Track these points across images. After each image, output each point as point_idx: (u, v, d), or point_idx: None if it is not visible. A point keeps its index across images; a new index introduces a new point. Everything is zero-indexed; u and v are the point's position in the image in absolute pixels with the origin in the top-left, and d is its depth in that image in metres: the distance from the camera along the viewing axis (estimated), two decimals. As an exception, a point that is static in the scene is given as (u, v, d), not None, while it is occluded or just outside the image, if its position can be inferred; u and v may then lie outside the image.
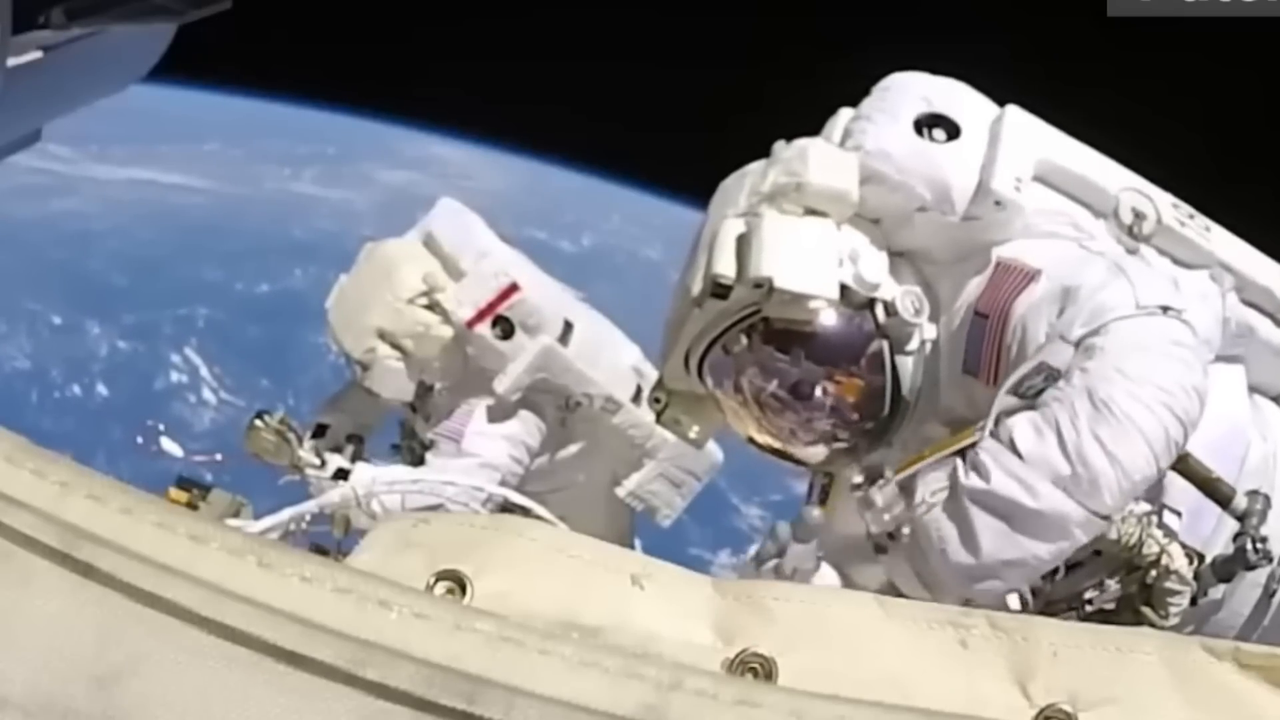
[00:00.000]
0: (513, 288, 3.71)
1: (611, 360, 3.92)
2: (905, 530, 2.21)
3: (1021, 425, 2.09)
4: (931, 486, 2.15)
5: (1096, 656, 0.91)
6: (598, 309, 4.09)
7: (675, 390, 2.71)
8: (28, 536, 0.84)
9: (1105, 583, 2.19)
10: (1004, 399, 2.16)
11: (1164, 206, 2.50)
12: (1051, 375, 2.14)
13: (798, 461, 2.60)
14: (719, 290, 2.40)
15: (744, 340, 2.46)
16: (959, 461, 2.15)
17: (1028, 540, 2.05)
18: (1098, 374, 2.07)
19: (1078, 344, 2.14)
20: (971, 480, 2.09)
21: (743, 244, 2.41)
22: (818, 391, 2.46)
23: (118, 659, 0.80)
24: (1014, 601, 2.11)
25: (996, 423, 2.13)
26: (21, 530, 0.84)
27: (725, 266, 2.40)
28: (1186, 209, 2.54)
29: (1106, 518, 2.08)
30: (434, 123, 19.72)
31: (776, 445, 2.56)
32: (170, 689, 0.79)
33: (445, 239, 3.82)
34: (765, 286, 2.36)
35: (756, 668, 0.89)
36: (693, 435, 2.78)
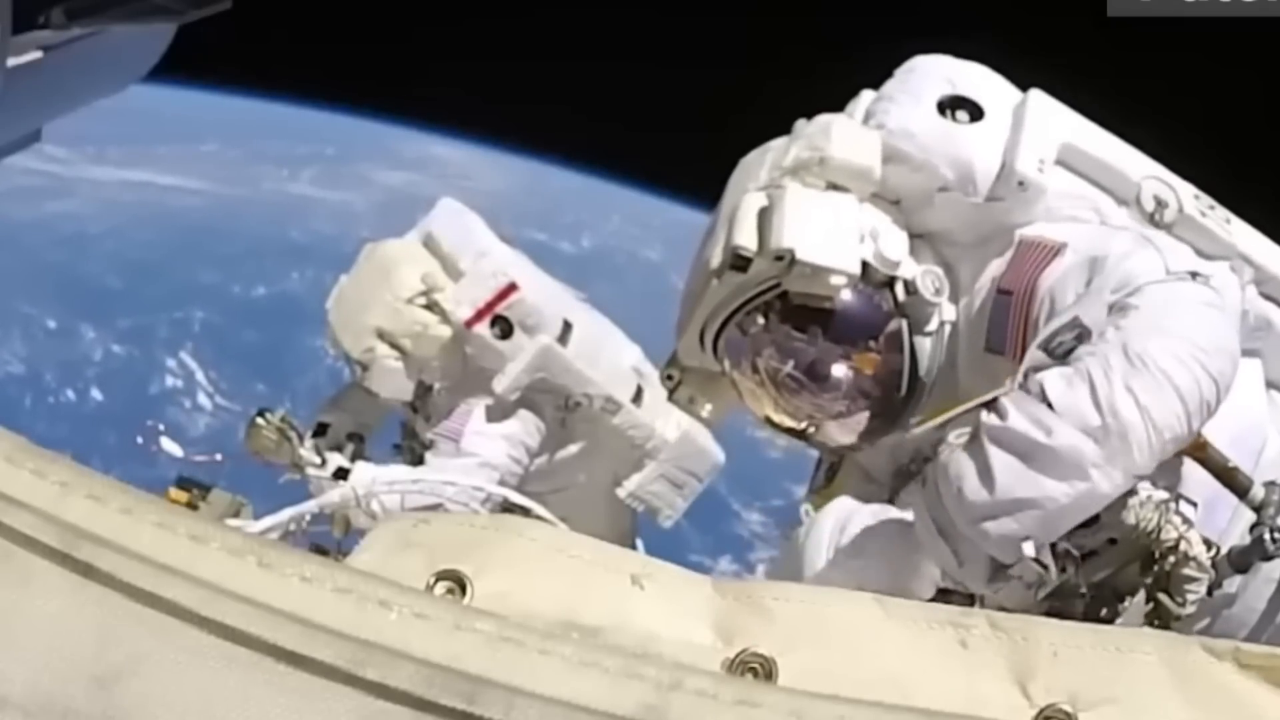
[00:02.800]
0: (511, 287, 3.70)
1: (611, 360, 3.91)
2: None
3: (1052, 378, 2.04)
4: (957, 432, 2.11)
5: (1096, 656, 0.91)
6: (598, 310, 4.09)
7: (689, 367, 2.68)
8: (28, 536, 0.84)
9: (1122, 604, 2.17)
10: (1034, 354, 2.13)
11: (1185, 196, 2.49)
12: (1083, 333, 2.10)
13: (812, 442, 2.59)
14: (739, 262, 2.38)
15: (761, 320, 2.44)
16: (984, 409, 2.10)
17: (1042, 478, 1.98)
18: (1132, 330, 2.04)
19: (1110, 307, 2.12)
20: (990, 419, 2.05)
21: (764, 217, 2.39)
22: (834, 371, 2.44)
23: (118, 659, 0.80)
24: (1029, 548, 2.03)
25: (1026, 376, 2.10)
26: (21, 530, 0.84)
27: (746, 238, 2.37)
28: (1207, 200, 2.52)
29: (1135, 475, 2.03)
30: (433, 123, 19.73)
31: (792, 425, 2.54)
32: (170, 689, 0.79)
33: (445, 239, 3.82)
34: (786, 259, 2.33)
35: (756, 668, 0.89)
36: (705, 414, 2.77)
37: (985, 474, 2.02)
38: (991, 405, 2.10)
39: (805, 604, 0.97)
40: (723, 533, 12.04)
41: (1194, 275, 2.17)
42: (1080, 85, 2.56)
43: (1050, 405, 2.01)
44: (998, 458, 2.02)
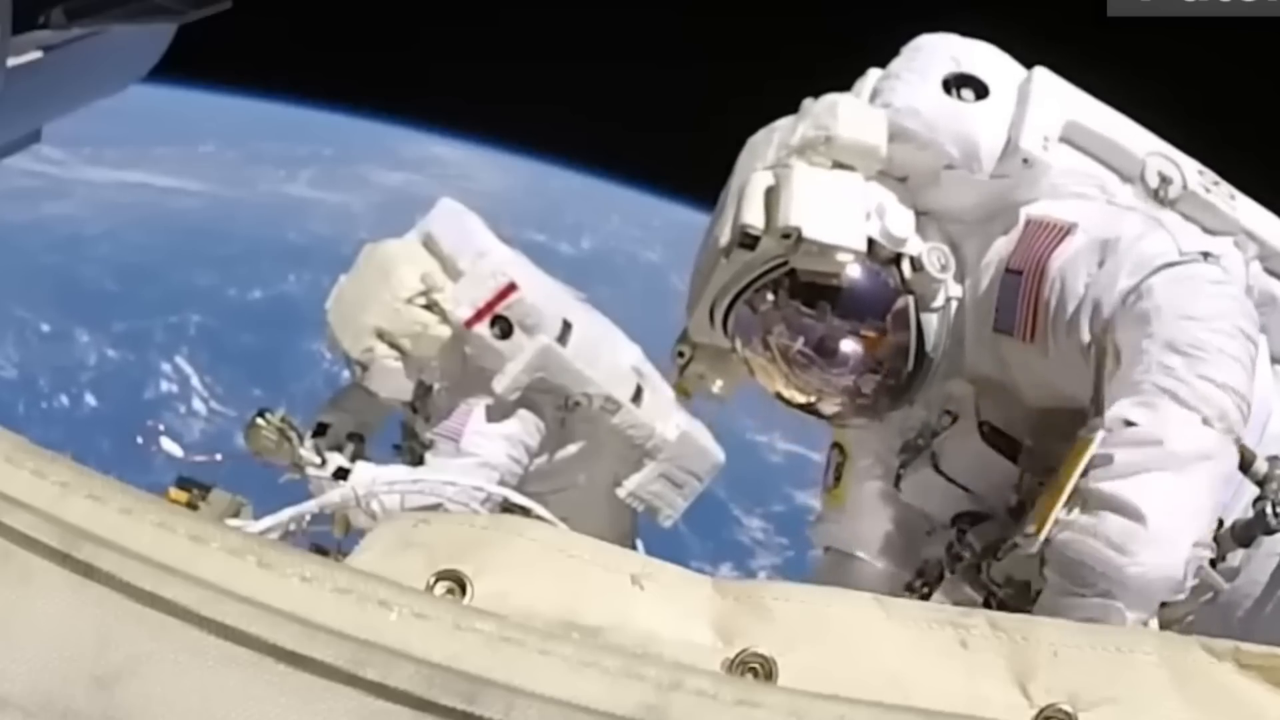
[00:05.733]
0: (510, 287, 3.70)
1: (611, 360, 3.91)
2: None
3: (1132, 410, 2.02)
4: (1063, 512, 2.01)
5: (1096, 656, 0.91)
6: (597, 311, 4.09)
7: (700, 344, 2.70)
8: (28, 536, 0.84)
9: None
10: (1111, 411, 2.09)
11: (1190, 172, 2.51)
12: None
13: (822, 416, 2.60)
14: (747, 241, 2.40)
15: (770, 297, 2.46)
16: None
17: (1177, 478, 1.96)
18: (1168, 329, 2.06)
19: (1124, 298, 2.14)
20: (1096, 471, 1.99)
21: (771, 195, 2.41)
22: (843, 347, 2.46)
23: (118, 659, 0.80)
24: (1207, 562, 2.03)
25: (1105, 420, 2.06)
26: (21, 530, 0.84)
27: (754, 217, 2.39)
28: (1211, 176, 2.55)
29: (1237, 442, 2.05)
30: (433, 123, 19.74)
31: (802, 401, 2.56)
32: (170, 689, 0.79)
33: (444, 239, 3.82)
34: (793, 237, 2.35)
35: (756, 668, 0.89)
36: (716, 391, 2.78)
37: (1127, 509, 1.94)
38: (1088, 469, 2.02)
39: (805, 604, 0.97)
40: (723, 539, 12.01)
41: (1206, 255, 2.21)
42: (1080, 85, 2.57)
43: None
44: (1129, 487, 1.95)
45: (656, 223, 18.11)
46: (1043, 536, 2.02)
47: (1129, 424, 2.00)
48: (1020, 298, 2.33)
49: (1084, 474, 2.00)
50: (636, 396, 3.90)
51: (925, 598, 2.50)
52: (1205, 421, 2.00)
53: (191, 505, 3.76)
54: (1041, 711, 0.87)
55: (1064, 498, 2.01)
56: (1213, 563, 2.19)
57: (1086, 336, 2.23)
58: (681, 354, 2.74)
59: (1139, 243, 2.22)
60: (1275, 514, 2.21)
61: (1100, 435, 2.03)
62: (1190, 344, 2.03)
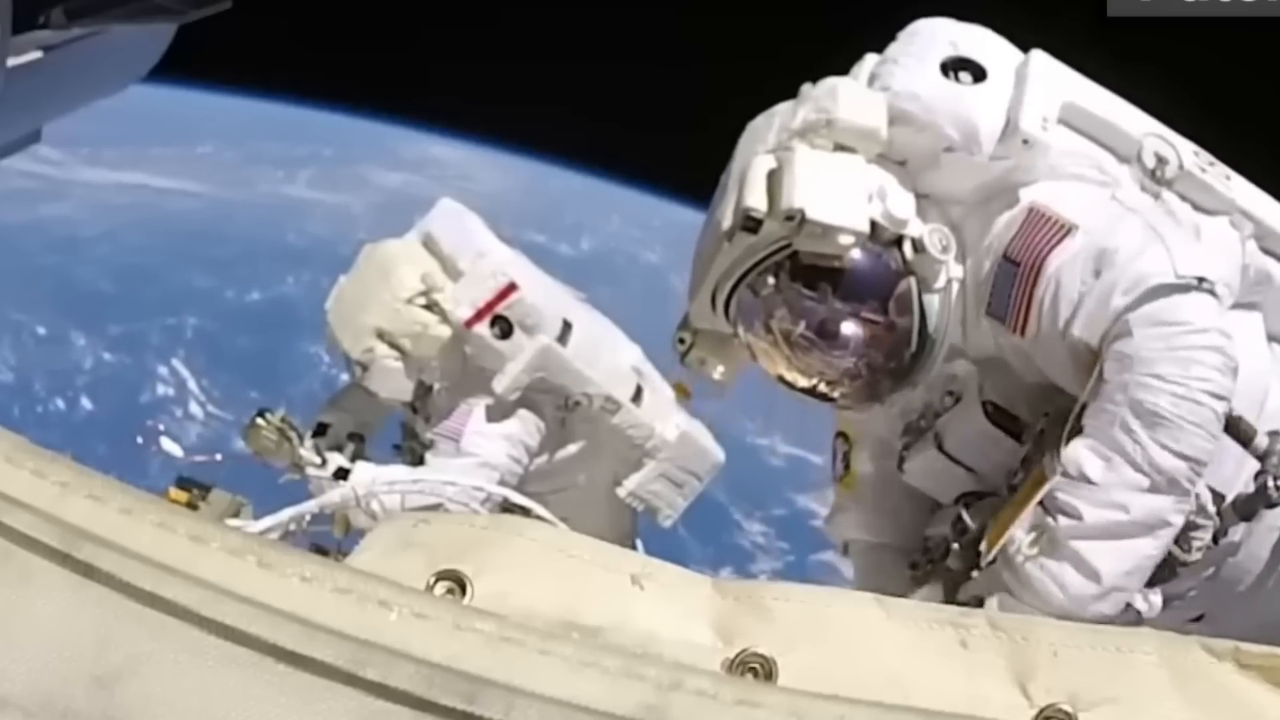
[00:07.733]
0: (511, 287, 3.70)
1: (611, 360, 3.91)
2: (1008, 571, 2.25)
3: (1087, 458, 2.16)
4: (1024, 541, 2.21)
5: (1096, 656, 0.91)
6: (597, 311, 4.08)
7: (701, 330, 2.71)
8: (28, 536, 0.84)
9: None
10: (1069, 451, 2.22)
11: (1186, 153, 2.53)
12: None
13: (824, 399, 2.61)
14: (750, 224, 2.41)
15: (771, 280, 2.47)
16: (1042, 512, 2.20)
17: (1136, 544, 2.15)
18: (1138, 389, 2.14)
19: (1117, 318, 2.20)
20: (1066, 523, 2.16)
21: (773, 178, 2.42)
22: (845, 329, 2.47)
23: (118, 659, 0.80)
24: (1140, 602, 2.21)
25: (1061, 460, 2.19)
26: (21, 530, 0.84)
27: (756, 200, 2.40)
28: (1207, 156, 2.56)
29: (1191, 494, 2.19)
30: (432, 123, 19.72)
31: (804, 384, 2.57)
32: (170, 689, 0.79)
33: (444, 239, 3.82)
34: (797, 219, 2.36)
35: (756, 668, 0.89)
36: (717, 376, 2.78)
37: (1086, 570, 2.14)
38: (1051, 506, 2.18)
39: (805, 604, 0.97)
40: (724, 543, 11.97)
41: (1200, 281, 2.22)
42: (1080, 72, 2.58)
43: (1097, 485, 2.15)
44: (1093, 550, 2.14)
45: (656, 223, 18.10)
46: (993, 554, 2.24)
47: (1086, 479, 2.15)
48: (1014, 289, 2.35)
49: (1054, 517, 2.17)
50: (636, 396, 3.90)
51: (928, 576, 2.51)
52: (1154, 487, 2.13)
53: (191, 505, 3.76)
54: (1041, 711, 0.87)
55: (1021, 520, 2.21)
56: (1215, 537, 2.27)
57: (1077, 345, 2.26)
58: (683, 340, 2.74)
59: (1136, 260, 2.24)
60: (1276, 488, 2.26)
61: (1057, 478, 2.18)
62: (1154, 410, 2.13)
